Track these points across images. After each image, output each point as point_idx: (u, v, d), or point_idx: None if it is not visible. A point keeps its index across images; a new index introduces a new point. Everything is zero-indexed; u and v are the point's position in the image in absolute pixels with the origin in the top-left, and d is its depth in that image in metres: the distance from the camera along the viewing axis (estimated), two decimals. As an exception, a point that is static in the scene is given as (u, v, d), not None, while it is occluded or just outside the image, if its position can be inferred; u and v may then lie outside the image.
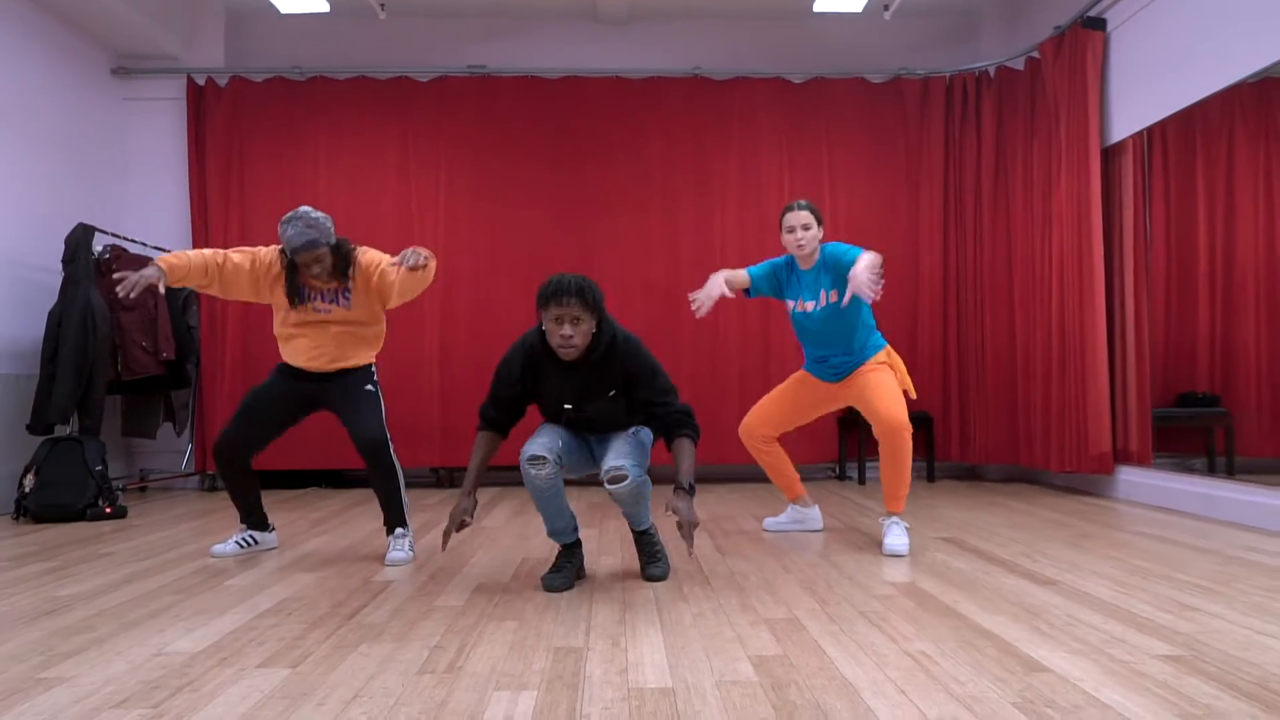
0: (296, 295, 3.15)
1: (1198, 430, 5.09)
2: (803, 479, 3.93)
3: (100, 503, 4.33)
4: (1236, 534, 3.70)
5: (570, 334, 2.65)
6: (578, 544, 2.90)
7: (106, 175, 5.67)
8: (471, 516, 2.74)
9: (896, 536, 3.31)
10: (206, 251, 3.11)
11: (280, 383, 3.27)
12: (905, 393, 3.47)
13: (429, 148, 5.79)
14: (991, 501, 4.81)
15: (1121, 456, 4.93)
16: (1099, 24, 4.99)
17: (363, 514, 4.48)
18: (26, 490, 4.29)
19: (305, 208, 3.11)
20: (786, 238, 3.50)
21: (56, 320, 4.52)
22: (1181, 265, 4.89)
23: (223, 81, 5.80)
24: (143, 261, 5.06)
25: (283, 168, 5.74)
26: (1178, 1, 4.46)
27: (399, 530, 3.26)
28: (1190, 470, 4.59)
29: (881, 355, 3.49)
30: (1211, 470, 4.53)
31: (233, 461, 3.21)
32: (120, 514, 4.37)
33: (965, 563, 3.12)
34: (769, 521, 3.92)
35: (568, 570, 2.80)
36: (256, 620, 2.41)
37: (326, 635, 2.26)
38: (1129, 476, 4.84)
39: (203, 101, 5.74)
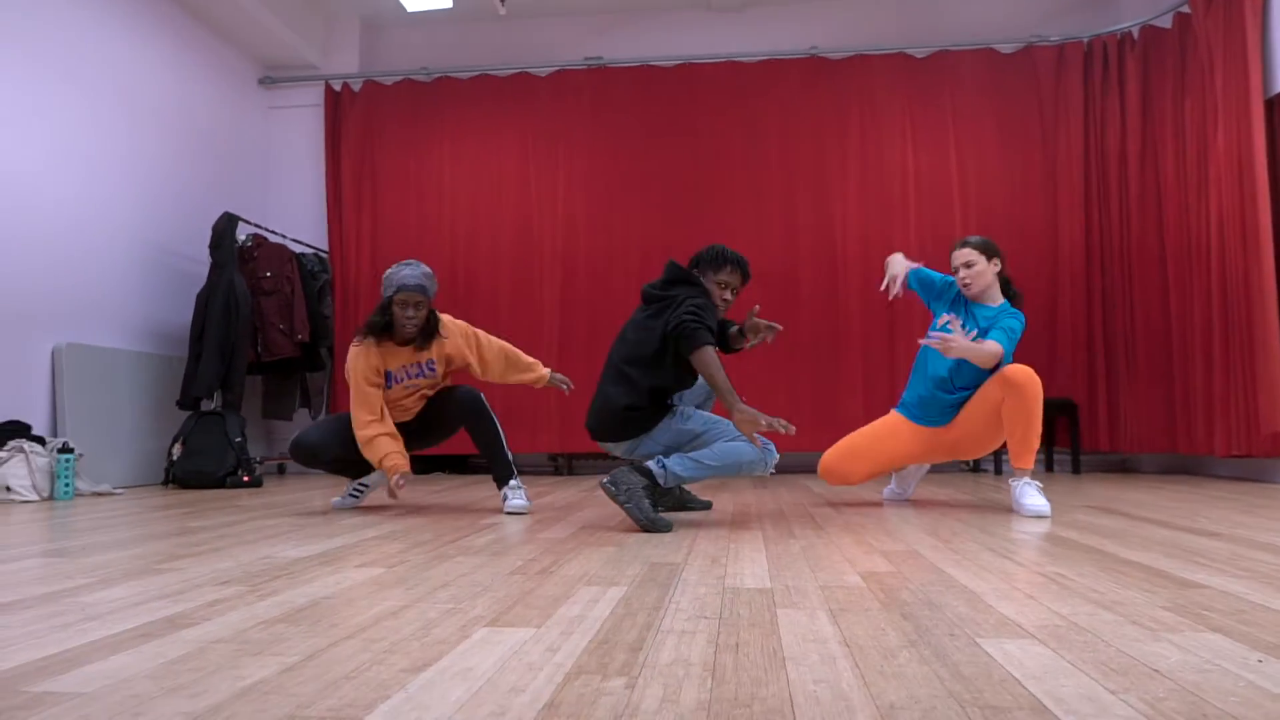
0: (386, 381, 3.21)
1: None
2: (937, 470, 3.69)
3: (239, 471, 4.56)
4: None
5: (729, 300, 2.95)
6: None
7: (251, 175, 6.07)
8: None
9: (1034, 495, 3.02)
10: (369, 419, 3.16)
11: None
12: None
13: (548, 141, 5.90)
14: (1149, 486, 4.40)
15: (1299, 438, 4.41)
16: (1258, -34, 4.57)
17: (482, 486, 4.53)
18: (174, 459, 4.56)
19: (424, 264, 3.25)
20: (955, 275, 3.29)
21: (204, 302, 4.82)
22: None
23: (357, 86, 6.11)
24: (282, 250, 5.34)
25: (410, 165, 5.98)
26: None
27: (511, 481, 3.25)
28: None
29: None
30: None
31: (313, 463, 3.30)
32: (257, 483, 4.58)
33: (1111, 521, 2.84)
34: (886, 492, 3.66)
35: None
36: (362, 541, 2.43)
37: (427, 552, 2.25)
38: (1309, 459, 4.32)
39: (339, 106, 6.07)
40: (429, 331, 3.21)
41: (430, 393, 3.33)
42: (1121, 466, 5.62)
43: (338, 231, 5.95)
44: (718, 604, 1.58)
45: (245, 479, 4.55)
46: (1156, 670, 1.15)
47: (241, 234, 5.20)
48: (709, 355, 2.64)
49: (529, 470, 5.92)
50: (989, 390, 3.14)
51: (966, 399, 3.23)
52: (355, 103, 6.05)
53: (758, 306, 2.87)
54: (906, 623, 1.42)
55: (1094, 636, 1.32)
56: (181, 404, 4.78)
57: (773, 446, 2.74)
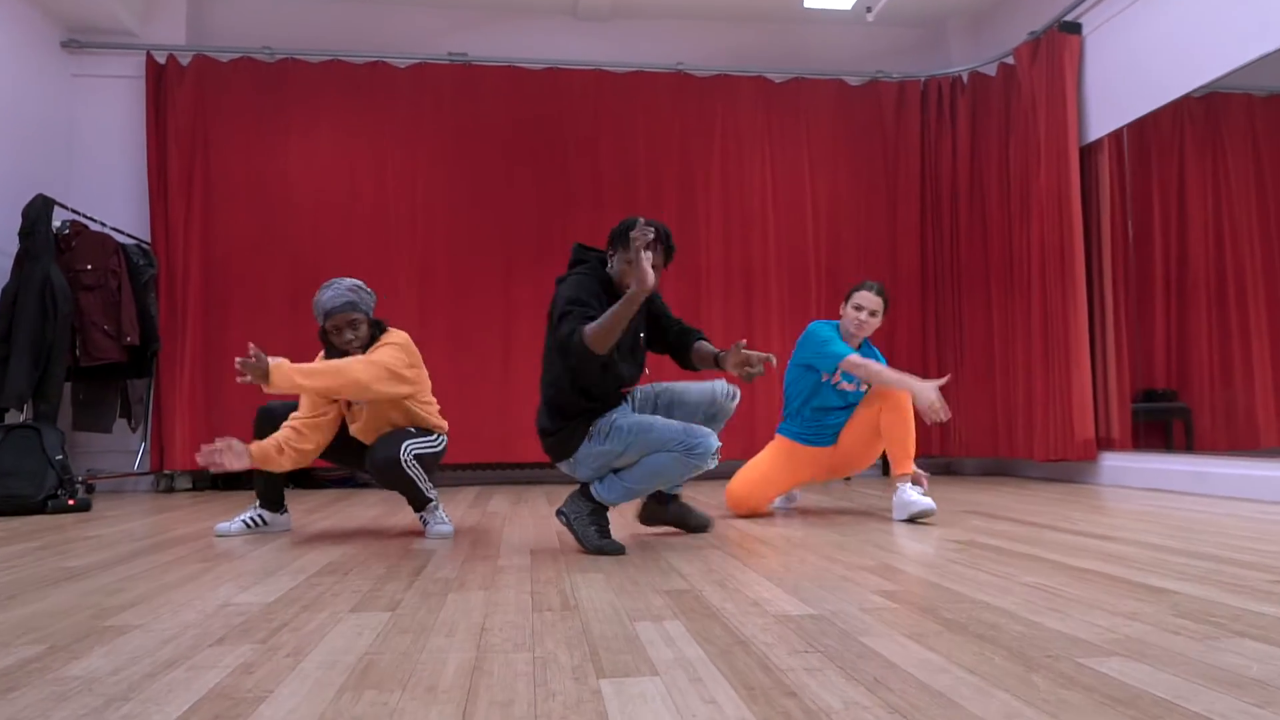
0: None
1: (1158, 425, 5.29)
2: None
3: (61, 494, 3.96)
4: (1244, 504, 3.80)
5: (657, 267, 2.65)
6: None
7: (58, 153, 5.29)
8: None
9: (919, 495, 3.26)
10: (283, 435, 2.89)
11: None
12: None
13: (406, 136, 5.59)
14: (984, 488, 4.86)
15: (1104, 444, 5.06)
16: (1075, 28, 5.20)
17: (351, 505, 4.22)
18: (-22, 481, 3.88)
19: (348, 279, 2.93)
20: (851, 314, 3.45)
21: (11, 297, 4.15)
22: (1140, 266, 5.11)
23: (185, 60, 5.50)
24: (105, 240, 4.70)
25: (251, 153, 5.45)
26: (1152, 6, 4.68)
27: (429, 504, 3.04)
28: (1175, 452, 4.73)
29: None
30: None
31: (276, 427, 2.96)
32: (84, 507, 4.00)
33: (1009, 527, 3.11)
34: (776, 502, 3.78)
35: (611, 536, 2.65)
36: (315, 579, 2.20)
37: (404, 587, 2.07)
38: (1113, 462, 4.96)
39: (163, 80, 5.42)
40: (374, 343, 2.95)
41: (377, 415, 2.98)
42: (947, 469, 6.17)
43: (163, 221, 5.31)
44: (791, 632, 1.57)
45: (70, 502, 3.95)
46: (1257, 681, 1.27)
47: (56, 220, 4.51)
48: (590, 328, 2.45)
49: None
50: (866, 410, 3.42)
51: (845, 420, 3.48)
52: (184, 78, 5.43)
53: (744, 340, 2.69)
54: (995, 647, 1.48)
55: (1166, 650, 1.44)
56: (-18, 416, 4.09)
57: (708, 441, 2.55)
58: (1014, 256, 5.53)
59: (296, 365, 2.64)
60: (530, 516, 3.63)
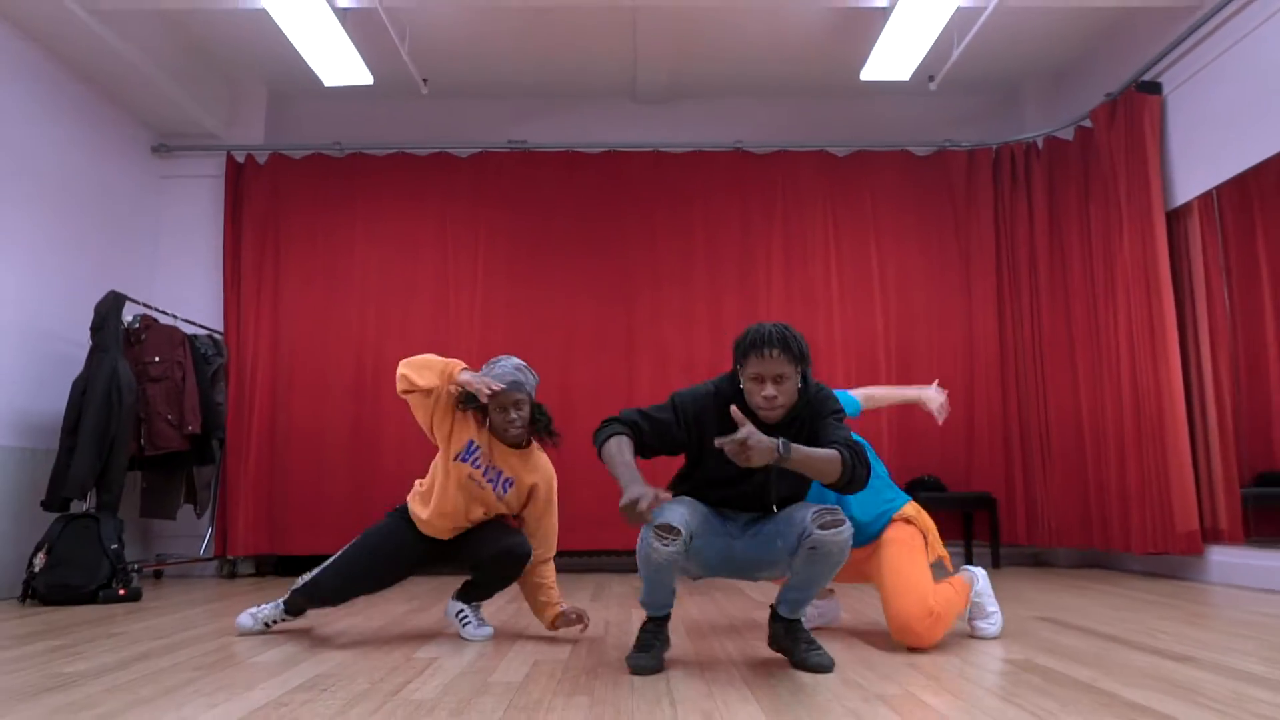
0: (467, 451, 2.82)
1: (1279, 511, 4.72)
2: None
3: (114, 583, 4.03)
4: (1370, 613, 3.31)
5: (774, 394, 2.31)
6: (668, 618, 2.45)
7: (140, 250, 5.59)
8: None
9: (985, 622, 2.90)
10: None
11: (404, 530, 2.90)
12: (937, 560, 2.87)
13: (468, 223, 5.69)
14: (1072, 585, 4.42)
15: (1210, 536, 4.55)
16: (1155, 88, 4.89)
17: (392, 597, 4.15)
18: (36, 570, 4.00)
19: (513, 357, 2.90)
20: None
21: (81, 389, 4.32)
22: (1249, 334, 4.62)
23: (262, 159, 5.77)
24: (173, 333, 4.89)
25: (318, 244, 5.64)
26: (1235, 61, 4.35)
27: (475, 602, 2.97)
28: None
29: (909, 510, 2.88)
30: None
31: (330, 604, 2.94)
32: (134, 596, 4.06)
33: (1076, 640, 2.76)
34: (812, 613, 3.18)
35: (657, 649, 2.38)
36: (288, 695, 2.09)
37: (370, 712, 1.94)
38: (1221, 557, 4.45)
39: (241, 178, 5.70)
40: (541, 429, 2.89)
41: (484, 517, 2.90)
42: (1036, 560, 5.69)
43: (235, 310, 5.52)
44: (748, 798, 1.36)
45: (121, 591, 4.02)
46: None
47: (128, 314, 4.72)
48: (608, 450, 2.33)
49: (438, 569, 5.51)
50: (899, 532, 2.83)
51: (868, 528, 2.87)
52: (260, 175, 5.70)
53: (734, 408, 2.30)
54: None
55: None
56: (47, 505, 4.23)
57: (658, 515, 2.23)
58: (1100, 329, 5.15)
59: None
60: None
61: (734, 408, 2.24)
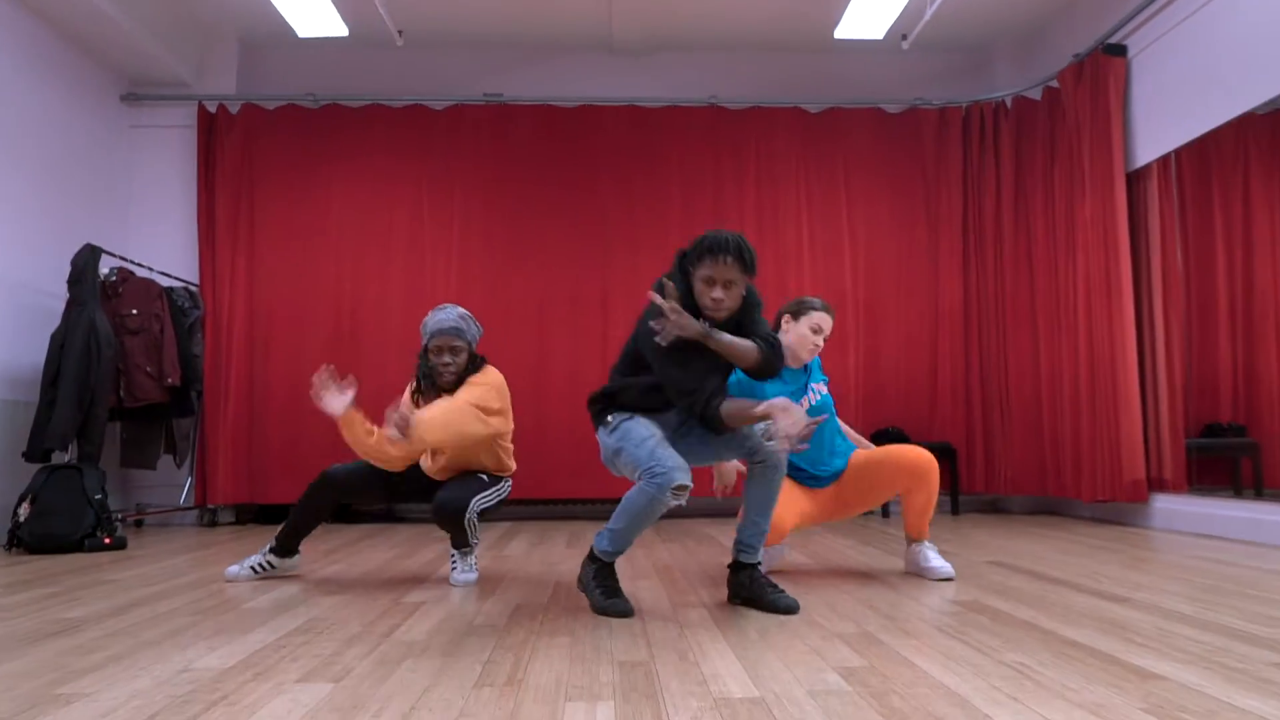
0: (421, 389, 3.05)
1: (1223, 461, 4.98)
2: None
3: (99, 533, 4.12)
4: (1296, 557, 3.55)
5: (721, 297, 2.43)
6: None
7: (113, 201, 5.56)
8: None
9: (939, 559, 3.12)
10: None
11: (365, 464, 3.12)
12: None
13: (444, 176, 5.71)
14: (1026, 531, 4.65)
15: (1155, 485, 4.80)
16: (1120, 50, 5.00)
17: (376, 545, 4.28)
18: (21, 519, 4.07)
19: (459, 307, 3.07)
20: (809, 336, 3.08)
21: (59, 343, 4.35)
22: (1202, 293, 4.82)
23: (234, 109, 5.73)
24: (150, 285, 4.91)
25: (293, 195, 5.64)
26: (1199, 26, 4.47)
27: (464, 548, 3.11)
28: (1228, 497, 4.45)
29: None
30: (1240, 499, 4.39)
31: (328, 495, 3.06)
32: (120, 545, 4.15)
33: (1023, 582, 2.96)
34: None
35: (623, 594, 2.57)
36: (285, 639, 2.22)
37: (366, 652, 2.07)
38: (1165, 504, 4.70)
39: (214, 128, 5.66)
40: (469, 373, 3.04)
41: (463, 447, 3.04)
42: (993, 507, 5.95)
43: (210, 264, 5.52)
44: (718, 724, 1.51)
45: (107, 540, 4.11)
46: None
47: (104, 267, 4.73)
48: (727, 407, 2.39)
49: (416, 517, 5.66)
50: (883, 468, 3.11)
51: (831, 466, 3.21)
52: (233, 126, 5.66)
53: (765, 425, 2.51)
54: (923, 747, 1.40)
55: (1109, 759, 1.34)
56: (29, 456, 4.29)
57: (671, 476, 2.35)
58: (1060, 288, 5.32)
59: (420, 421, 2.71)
60: (540, 563, 3.62)
61: (654, 291, 2.42)
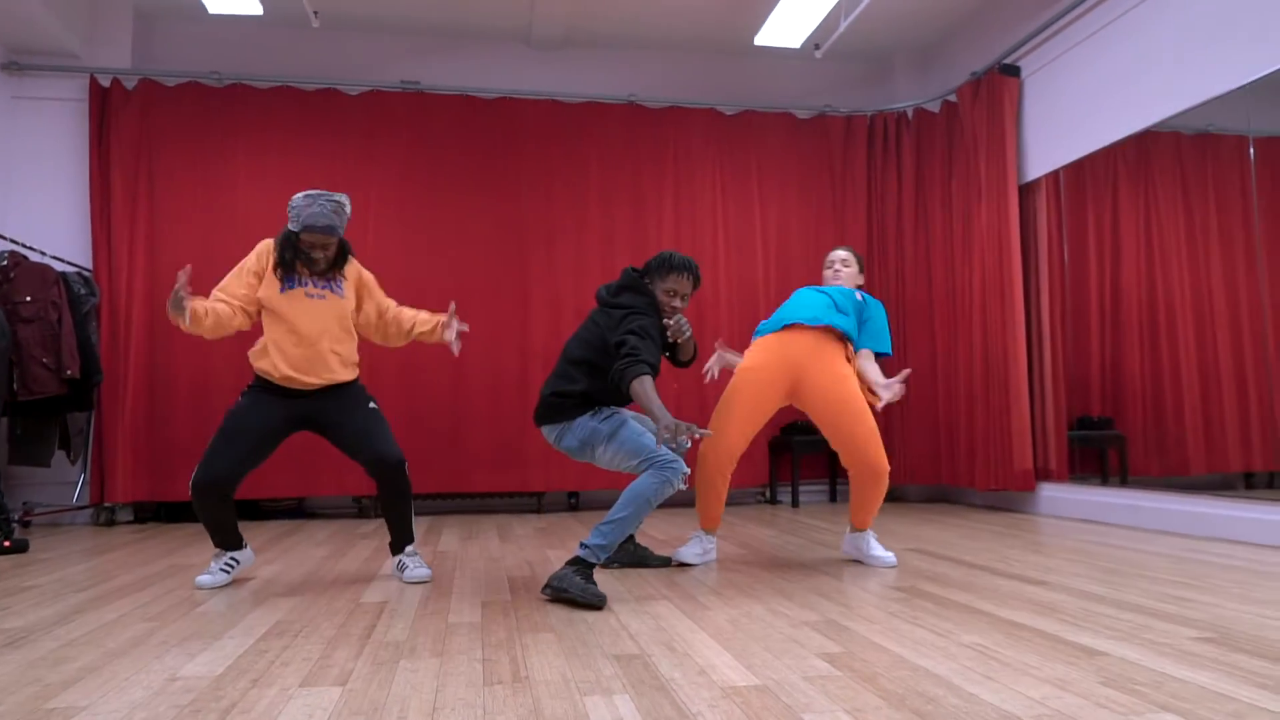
0: (287, 278, 2.95)
1: (1093, 451, 5.47)
2: (737, 504, 3.91)
3: (-4, 536, 3.85)
4: (1173, 540, 3.96)
5: (679, 306, 3.02)
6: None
7: (-6, 178, 5.15)
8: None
9: (881, 549, 3.35)
10: (210, 304, 2.85)
11: (262, 403, 2.95)
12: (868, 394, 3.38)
13: (357, 163, 5.56)
14: (929, 519, 4.98)
15: (1041, 474, 5.22)
16: (1014, 71, 5.37)
17: (298, 543, 4.18)
18: (-92, 523, 3.76)
19: (334, 194, 2.94)
20: (825, 272, 3.65)
21: (-54, 332, 4.02)
22: (1076, 296, 5.29)
23: (130, 84, 5.41)
24: (45, 271, 4.60)
25: (196, 178, 5.38)
26: (1088, 52, 4.86)
27: (409, 548, 3.12)
28: (1098, 484, 4.90)
29: (848, 352, 3.38)
30: (1113, 486, 4.85)
31: (214, 495, 2.88)
32: (21, 548, 3.89)
33: (948, 569, 3.21)
34: (684, 552, 3.40)
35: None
36: (261, 642, 2.18)
37: (354, 654, 2.07)
38: (1049, 492, 5.12)
39: (107, 104, 5.32)
40: (340, 262, 3.02)
41: (332, 325, 2.98)
42: (891, 496, 6.30)
43: (105, 247, 5.21)
44: (735, 707, 1.62)
45: (5, 544, 3.85)
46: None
47: (-7, 250, 4.40)
48: (646, 386, 2.66)
49: (330, 513, 5.53)
50: (854, 440, 3.23)
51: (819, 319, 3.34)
52: (128, 101, 5.34)
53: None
54: (930, 724, 1.54)
55: (1090, 727, 1.52)
56: (-88, 454, 3.96)
57: (680, 463, 2.73)
58: (957, 289, 5.69)
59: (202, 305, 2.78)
60: (480, 558, 3.64)
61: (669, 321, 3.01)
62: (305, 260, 2.95)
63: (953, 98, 5.86)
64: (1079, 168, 5.04)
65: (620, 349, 2.77)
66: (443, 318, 3.17)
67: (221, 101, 5.46)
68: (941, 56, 6.29)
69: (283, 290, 2.95)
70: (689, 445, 2.71)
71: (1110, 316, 5.45)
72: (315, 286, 2.99)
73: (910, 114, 6.16)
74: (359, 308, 3.14)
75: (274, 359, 2.94)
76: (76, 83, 5.39)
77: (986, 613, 2.44)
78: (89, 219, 5.27)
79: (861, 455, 3.25)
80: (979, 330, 5.44)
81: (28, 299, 4.41)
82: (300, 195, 2.91)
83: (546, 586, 2.68)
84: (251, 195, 5.42)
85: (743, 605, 2.60)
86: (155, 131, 5.36)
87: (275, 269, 2.96)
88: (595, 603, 2.56)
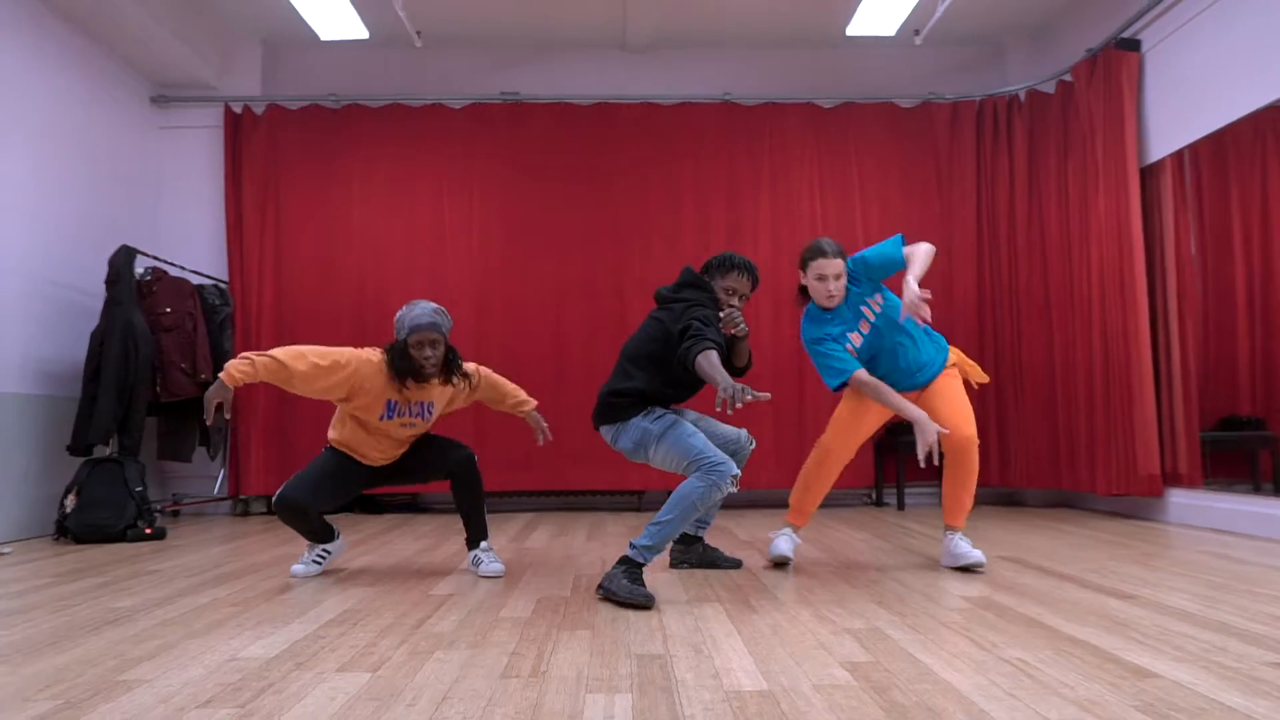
0: (390, 407, 3.13)
1: (1241, 454, 5.01)
2: (841, 505, 3.83)
3: (140, 523, 4.29)
4: (1303, 552, 3.61)
5: (738, 304, 3.08)
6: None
7: (144, 201, 5.71)
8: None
9: (969, 548, 3.21)
10: (280, 354, 3.06)
11: (345, 461, 3.26)
12: (973, 385, 3.48)
13: (462, 174, 5.82)
14: (1040, 525, 4.73)
15: (1170, 479, 4.85)
16: (1133, 45, 5.01)
17: (402, 535, 4.43)
18: (68, 510, 4.25)
19: (430, 302, 3.15)
20: (816, 286, 3.14)
21: (99, 341, 4.51)
22: (1219, 286, 4.85)
23: (259, 110, 5.86)
24: (182, 284, 5.06)
25: (317, 194, 5.77)
26: (1212, 21, 4.48)
27: (483, 544, 3.29)
28: (1245, 491, 4.50)
29: (951, 358, 3.36)
30: (1257, 494, 4.44)
31: (294, 514, 3.15)
32: (159, 535, 4.32)
33: (1033, 579, 3.05)
34: (781, 545, 3.39)
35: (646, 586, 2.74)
36: (323, 629, 2.35)
37: (399, 642, 2.20)
38: (1179, 499, 4.75)
39: (239, 129, 5.80)
40: (450, 367, 3.18)
41: (416, 435, 3.30)
42: (1009, 500, 6.01)
43: (238, 261, 5.67)
44: (728, 713, 1.62)
45: (147, 531, 4.28)
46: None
47: (139, 266, 4.89)
48: (712, 359, 2.67)
49: (441, 508, 5.81)
50: (948, 374, 3.25)
51: (920, 377, 3.26)
52: (257, 126, 5.79)
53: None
54: (921, 739, 1.50)
55: (1094, 751, 1.44)
56: (73, 449, 4.46)
57: (730, 465, 2.72)
58: (1074, 281, 5.36)
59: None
60: (562, 554, 3.75)
61: (726, 318, 2.98)
62: (414, 370, 3.07)
63: (1068, 77, 5.52)
64: (1218, 142, 4.63)
65: (685, 333, 2.82)
66: (530, 408, 3.51)
67: (338, 121, 5.83)
68: (1055, 34, 5.93)
69: (382, 419, 3.15)
70: (744, 403, 2.48)
71: (1260, 305, 4.99)
72: (410, 415, 3.18)
73: (1023, 96, 5.84)
74: (451, 404, 3.38)
75: (351, 445, 3.24)
76: (213, 111, 5.90)
77: (1050, 627, 2.32)
78: (224, 235, 5.75)
79: (941, 420, 3.14)
80: (1098, 325, 5.11)
81: (168, 310, 4.87)
82: (403, 309, 3.13)
83: (599, 586, 2.74)
84: (365, 206, 5.76)
85: (792, 610, 2.58)
86: (281, 152, 5.79)
87: (381, 397, 3.11)
88: (642, 603, 2.60)
